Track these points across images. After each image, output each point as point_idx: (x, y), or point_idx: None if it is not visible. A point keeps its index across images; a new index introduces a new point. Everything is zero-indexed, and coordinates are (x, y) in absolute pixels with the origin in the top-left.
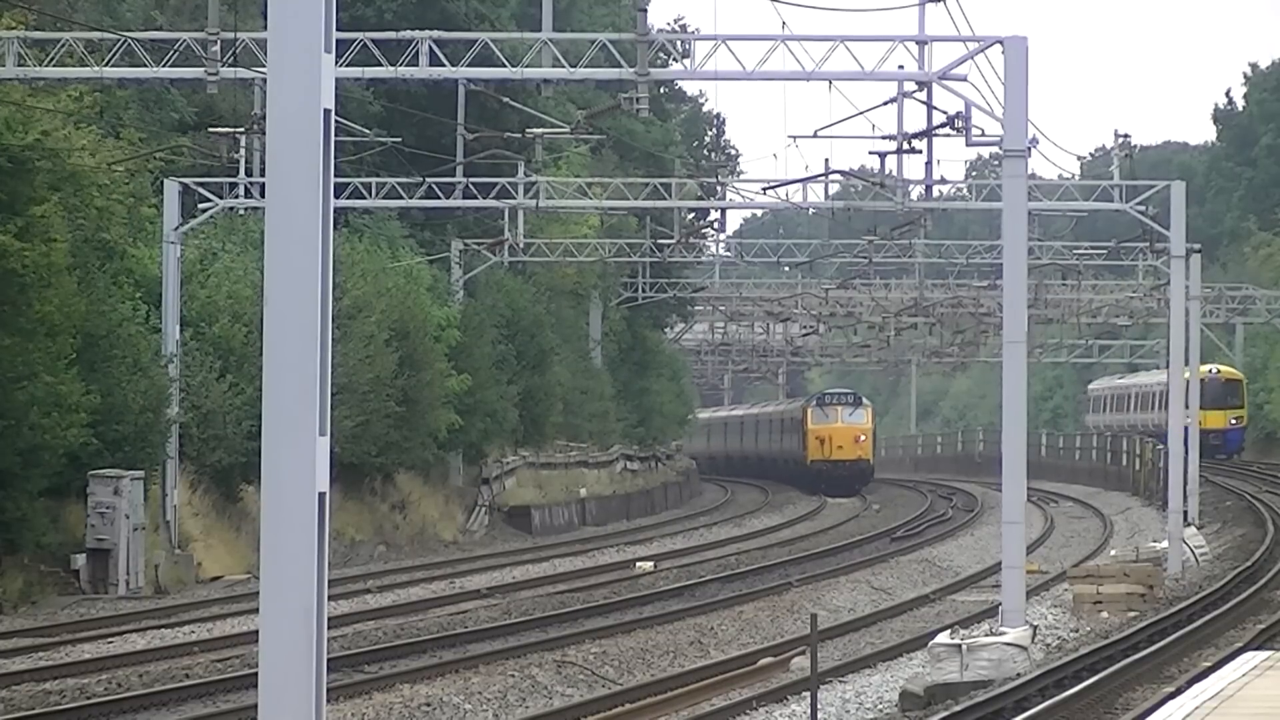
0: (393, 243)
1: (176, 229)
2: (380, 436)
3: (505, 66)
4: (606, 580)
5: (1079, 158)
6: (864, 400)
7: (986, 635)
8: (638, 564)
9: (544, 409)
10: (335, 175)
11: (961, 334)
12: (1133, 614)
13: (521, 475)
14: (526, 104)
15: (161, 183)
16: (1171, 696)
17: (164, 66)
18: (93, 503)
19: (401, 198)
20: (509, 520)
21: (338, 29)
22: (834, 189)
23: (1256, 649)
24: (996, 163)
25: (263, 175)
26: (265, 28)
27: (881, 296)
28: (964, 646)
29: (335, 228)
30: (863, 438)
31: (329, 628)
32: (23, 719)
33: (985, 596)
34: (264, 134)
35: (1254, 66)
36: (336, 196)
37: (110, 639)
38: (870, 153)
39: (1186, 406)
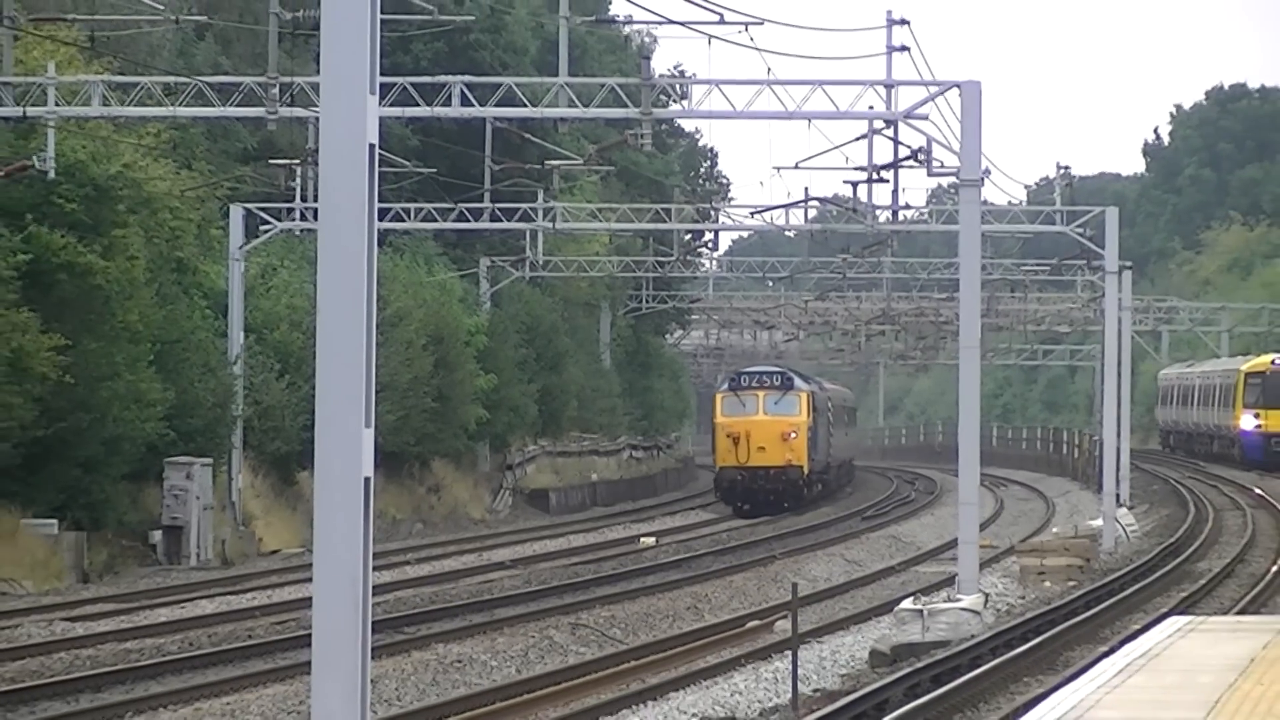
0: (429, 260)
1: (241, 248)
2: (418, 428)
3: (526, 106)
4: (614, 554)
5: (1025, 186)
6: (797, 381)
7: (945, 601)
8: (641, 539)
9: (560, 404)
10: (379, 201)
11: (924, 340)
12: (1072, 583)
13: (540, 462)
14: (545, 139)
15: (228, 208)
16: (1105, 655)
17: (230, 106)
18: (168, 486)
19: (436, 221)
20: (530, 501)
21: (381, 74)
22: (812, 214)
23: (1180, 614)
24: (954, 191)
25: (316, 201)
26: (319, 72)
27: (854, 307)
28: (925, 611)
29: (379, 247)
30: (793, 434)
31: (373, 594)
32: (107, 674)
33: (943, 568)
34: (317, 165)
35: (1179, 107)
36: (380, 220)
37: (183, 604)
38: (844, 182)
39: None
